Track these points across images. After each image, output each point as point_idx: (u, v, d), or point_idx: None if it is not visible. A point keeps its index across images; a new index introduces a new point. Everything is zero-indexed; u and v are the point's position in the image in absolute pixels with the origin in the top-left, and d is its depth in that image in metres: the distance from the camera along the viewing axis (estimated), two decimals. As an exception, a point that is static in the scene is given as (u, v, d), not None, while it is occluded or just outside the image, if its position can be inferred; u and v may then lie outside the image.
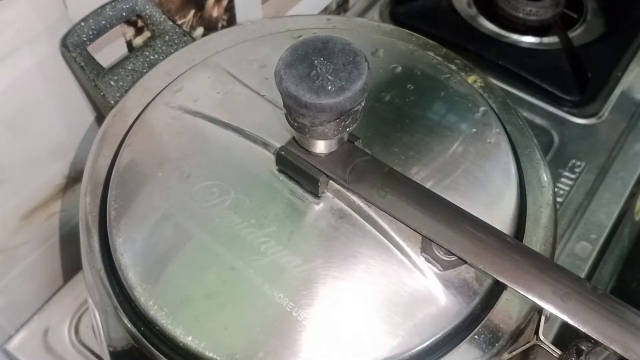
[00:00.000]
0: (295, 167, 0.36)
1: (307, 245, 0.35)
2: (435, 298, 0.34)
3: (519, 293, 0.31)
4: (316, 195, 0.36)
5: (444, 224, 0.34)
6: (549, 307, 0.31)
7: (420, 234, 0.34)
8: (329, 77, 0.31)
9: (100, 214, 0.38)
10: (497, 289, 0.34)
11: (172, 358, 0.33)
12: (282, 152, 0.36)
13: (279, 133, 0.38)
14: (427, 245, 0.34)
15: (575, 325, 0.30)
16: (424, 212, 0.34)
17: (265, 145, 0.38)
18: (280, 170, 0.37)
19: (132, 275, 0.34)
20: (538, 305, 0.31)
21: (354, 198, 0.36)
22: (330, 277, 0.34)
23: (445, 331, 0.33)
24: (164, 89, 0.42)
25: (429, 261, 0.34)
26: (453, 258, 0.34)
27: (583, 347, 0.31)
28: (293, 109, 0.32)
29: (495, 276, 0.32)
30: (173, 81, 0.42)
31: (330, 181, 0.36)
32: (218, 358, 0.32)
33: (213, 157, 0.39)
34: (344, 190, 0.36)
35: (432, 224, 0.34)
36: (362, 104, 0.33)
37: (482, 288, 0.34)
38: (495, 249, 0.33)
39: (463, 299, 0.34)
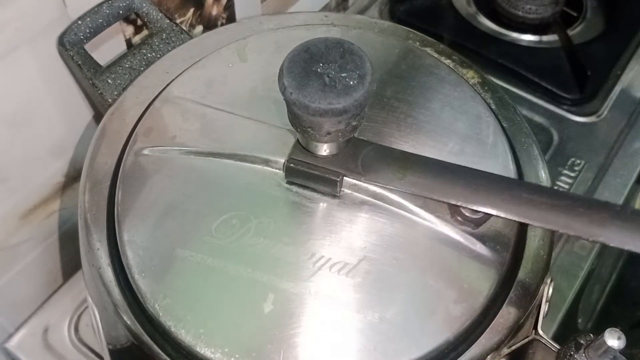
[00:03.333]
0: (308, 174, 0.36)
1: (347, 244, 0.35)
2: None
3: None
4: (335, 195, 0.36)
5: (467, 187, 0.34)
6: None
7: (448, 204, 0.35)
8: (334, 80, 0.31)
9: (101, 211, 0.38)
10: (500, 291, 0.34)
11: (172, 356, 0.33)
12: (292, 164, 0.36)
13: (274, 147, 0.37)
14: (454, 210, 0.35)
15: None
16: (446, 183, 0.35)
17: (266, 162, 0.37)
18: (289, 182, 0.37)
19: (131, 274, 0.34)
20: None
21: (372, 187, 0.36)
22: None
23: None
24: (162, 89, 0.42)
25: (461, 223, 0.35)
26: (480, 215, 0.34)
27: (582, 342, 0.31)
28: (299, 115, 0.32)
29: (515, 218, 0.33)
30: (139, 123, 0.40)
31: (345, 177, 0.36)
32: (218, 357, 0.32)
33: (217, 190, 0.37)
34: (361, 183, 0.36)
35: (456, 191, 0.34)
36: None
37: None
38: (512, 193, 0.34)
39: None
